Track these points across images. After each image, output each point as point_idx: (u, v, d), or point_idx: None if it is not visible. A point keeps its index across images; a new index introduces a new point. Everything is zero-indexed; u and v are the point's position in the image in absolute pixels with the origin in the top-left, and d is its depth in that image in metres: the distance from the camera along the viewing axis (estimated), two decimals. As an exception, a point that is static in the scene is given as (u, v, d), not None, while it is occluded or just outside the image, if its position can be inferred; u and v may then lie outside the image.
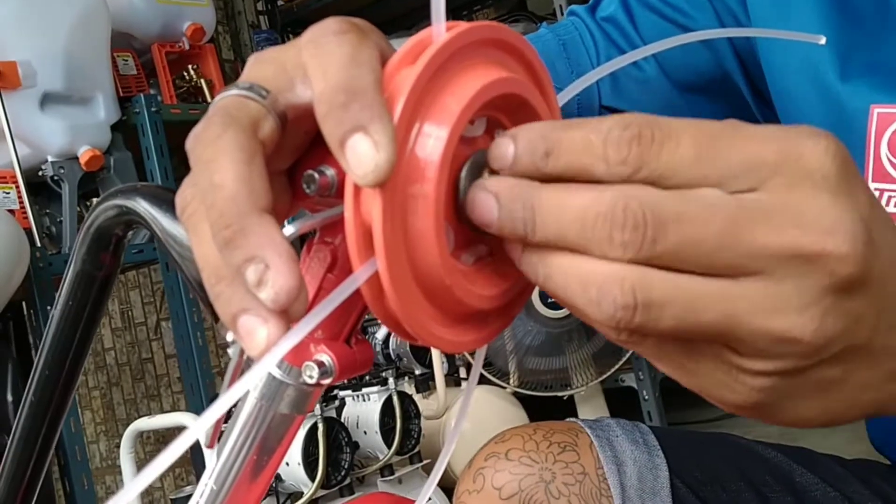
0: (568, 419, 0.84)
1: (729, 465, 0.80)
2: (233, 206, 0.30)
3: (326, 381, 0.35)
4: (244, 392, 0.32)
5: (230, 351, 0.41)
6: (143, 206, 0.44)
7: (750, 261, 0.28)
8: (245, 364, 0.37)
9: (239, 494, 0.40)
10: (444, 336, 0.32)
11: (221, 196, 0.30)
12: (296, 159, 0.34)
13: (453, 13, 3.19)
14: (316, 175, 0.32)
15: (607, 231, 0.28)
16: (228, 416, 0.38)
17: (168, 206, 0.44)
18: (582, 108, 0.76)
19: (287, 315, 0.30)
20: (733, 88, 0.73)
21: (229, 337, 0.42)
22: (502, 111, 0.33)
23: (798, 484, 0.78)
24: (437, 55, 0.30)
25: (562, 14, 2.59)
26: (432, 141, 0.30)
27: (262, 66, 0.34)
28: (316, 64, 0.31)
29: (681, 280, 0.28)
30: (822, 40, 0.46)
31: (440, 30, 0.31)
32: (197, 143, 0.32)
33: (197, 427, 0.29)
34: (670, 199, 0.28)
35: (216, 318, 0.44)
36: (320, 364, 0.34)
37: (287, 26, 3.42)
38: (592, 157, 0.29)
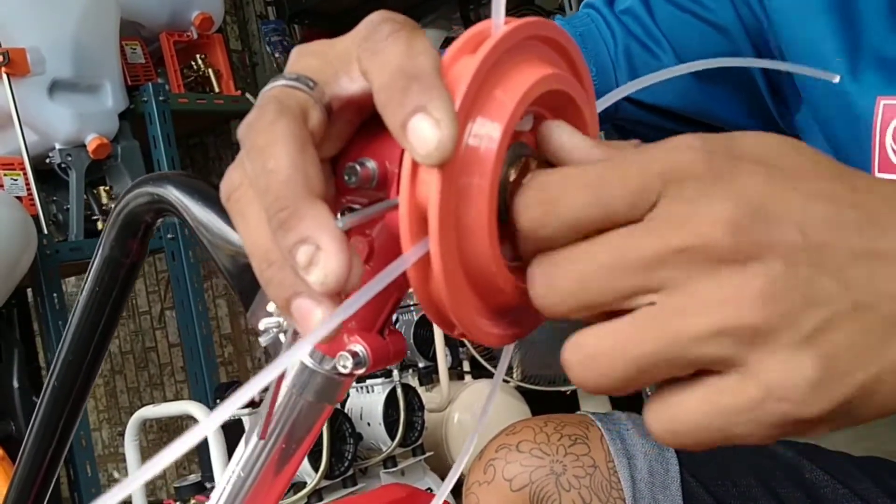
0: (579, 412, 0.85)
1: (739, 460, 0.80)
2: (288, 190, 0.30)
3: (360, 372, 0.35)
4: (278, 373, 0.32)
5: (261, 339, 0.41)
6: (173, 194, 0.44)
7: (648, 275, 0.29)
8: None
9: (265, 482, 0.40)
10: (485, 327, 0.33)
11: (276, 180, 0.30)
12: (339, 149, 0.35)
13: (461, 6, 3.18)
14: (357, 167, 0.33)
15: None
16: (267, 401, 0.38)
17: (199, 194, 0.44)
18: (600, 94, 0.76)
19: (339, 298, 0.30)
20: (749, 79, 0.73)
21: (261, 325, 0.42)
22: (548, 107, 0.34)
23: (808, 480, 0.78)
24: (497, 45, 0.31)
25: (570, 9, 2.59)
26: (489, 133, 0.30)
27: (307, 58, 0.34)
28: (374, 60, 0.32)
29: (605, 325, 0.30)
30: (836, 78, 0.47)
31: (499, 22, 0.31)
32: (250, 130, 0.32)
33: (212, 419, 0.29)
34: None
35: (246, 307, 0.44)
36: (354, 354, 0.35)
37: (294, 17, 3.41)
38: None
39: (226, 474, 0.42)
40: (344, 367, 0.35)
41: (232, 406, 0.29)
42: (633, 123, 0.80)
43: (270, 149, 0.31)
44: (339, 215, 0.33)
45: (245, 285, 0.43)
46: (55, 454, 0.57)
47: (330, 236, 0.29)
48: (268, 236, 0.31)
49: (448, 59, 0.31)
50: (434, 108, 0.29)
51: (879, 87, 0.60)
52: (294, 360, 0.36)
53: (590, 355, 0.30)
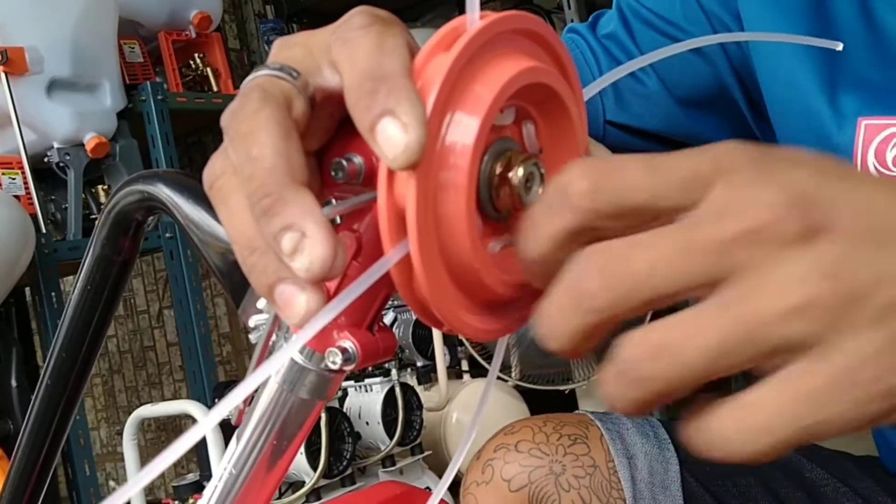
0: (577, 411, 0.85)
1: None
2: (272, 177, 0.30)
3: (349, 368, 0.35)
4: (267, 376, 0.32)
5: (252, 336, 0.41)
6: (164, 192, 0.44)
7: (718, 259, 0.28)
8: (271, 349, 0.38)
9: (257, 479, 0.40)
10: (471, 322, 0.33)
11: (260, 167, 0.30)
12: (323, 142, 0.35)
13: (459, 5, 3.18)
14: (344, 162, 0.33)
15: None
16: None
17: (190, 191, 0.44)
18: (587, 121, 0.77)
19: (322, 285, 0.30)
20: (732, 103, 0.74)
21: (251, 322, 0.42)
22: (531, 101, 0.33)
23: (808, 479, 0.78)
24: (471, 42, 0.30)
25: (569, 7, 2.59)
26: (465, 129, 0.30)
27: (290, 49, 0.34)
28: (344, 57, 0.32)
29: (671, 317, 0.28)
30: (839, 46, 0.47)
31: (474, 17, 0.31)
32: (233, 118, 0.32)
33: (210, 418, 0.29)
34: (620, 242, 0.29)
35: (237, 304, 0.44)
36: (343, 350, 0.35)
37: (293, 16, 3.41)
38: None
39: (217, 471, 0.42)
40: (333, 363, 0.35)
41: (229, 404, 0.29)
42: (620, 149, 0.80)
43: (254, 136, 0.31)
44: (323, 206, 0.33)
45: (235, 283, 0.43)
46: (49, 453, 0.57)
47: (315, 223, 0.29)
48: (251, 224, 0.31)
49: (422, 58, 0.31)
50: (402, 111, 0.29)
51: (860, 108, 0.60)
52: (284, 361, 0.36)
53: (660, 346, 0.27)
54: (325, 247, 0.29)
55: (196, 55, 2.82)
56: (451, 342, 2.46)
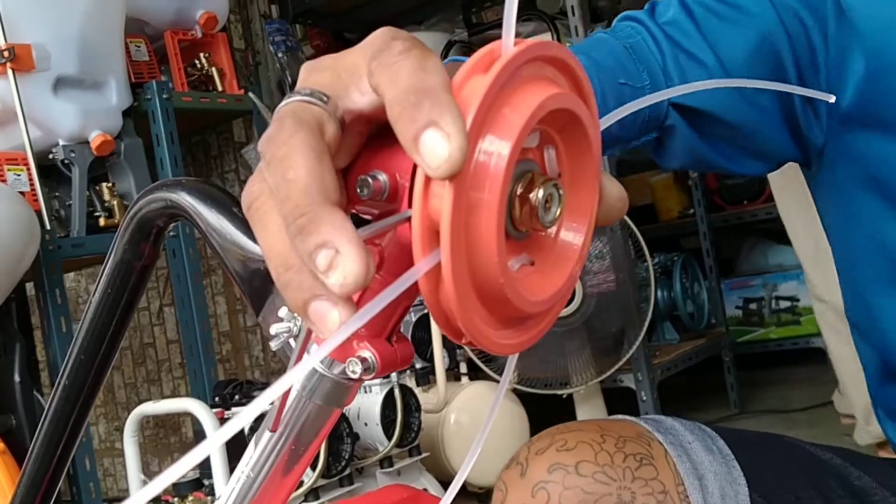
0: (622, 417, 0.75)
1: (796, 470, 0.74)
2: (307, 198, 0.32)
3: (368, 377, 0.36)
4: (290, 384, 0.33)
5: (272, 344, 0.42)
6: (186, 200, 0.46)
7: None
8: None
9: (273, 483, 0.42)
10: (491, 336, 0.34)
11: (296, 189, 0.32)
12: (351, 160, 0.36)
13: (463, 9, 3.19)
14: (370, 179, 0.34)
15: None
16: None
17: (211, 200, 0.45)
18: (652, 105, 0.77)
19: (352, 300, 0.32)
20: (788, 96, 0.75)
21: (272, 330, 0.43)
22: (555, 127, 0.35)
23: (857, 487, 0.74)
24: (507, 66, 0.32)
25: (573, 14, 2.59)
26: (498, 151, 0.32)
27: (319, 73, 0.36)
28: (386, 78, 0.33)
29: None
30: (832, 99, 0.49)
31: (509, 43, 0.32)
32: (270, 143, 0.34)
33: (220, 434, 0.30)
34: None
35: (257, 312, 0.46)
36: (363, 360, 0.36)
37: (298, 17, 3.42)
38: None
39: (235, 475, 0.43)
40: (353, 372, 0.36)
41: (249, 415, 0.30)
42: (678, 132, 0.80)
43: (289, 160, 0.32)
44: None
45: (255, 289, 0.45)
46: (64, 452, 0.58)
47: (349, 240, 0.31)
48: (286, 242, 0.33)
49: (460, 78, 0.33)
50: (445, 123, 0.31)
51: None
52: (307, 370, 0.37)
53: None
54: (359, 262, 0.31)
55: (201, 55, 2.83)
56: (449, 345, 2.47)
